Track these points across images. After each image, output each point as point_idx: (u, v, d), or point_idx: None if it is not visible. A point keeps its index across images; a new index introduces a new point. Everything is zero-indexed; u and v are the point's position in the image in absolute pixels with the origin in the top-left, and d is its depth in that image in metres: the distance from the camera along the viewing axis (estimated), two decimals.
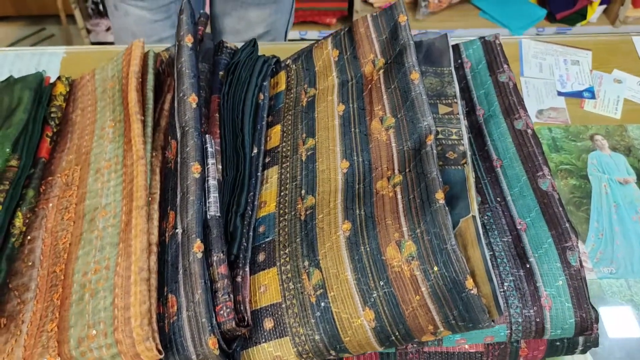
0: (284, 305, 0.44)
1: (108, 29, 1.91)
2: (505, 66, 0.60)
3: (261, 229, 0.49)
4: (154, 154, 0.53)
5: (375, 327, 0.41)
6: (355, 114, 0.53)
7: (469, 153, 0.48)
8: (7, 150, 0.52)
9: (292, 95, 0.59)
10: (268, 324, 0.44)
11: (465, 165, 0.47)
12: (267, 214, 0.50)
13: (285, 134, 0.56)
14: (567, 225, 0.47)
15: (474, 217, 0.41)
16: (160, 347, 0.41)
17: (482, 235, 0.40)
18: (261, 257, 0.47)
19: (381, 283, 0.41)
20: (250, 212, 0.50)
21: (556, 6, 1.91)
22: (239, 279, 0.46)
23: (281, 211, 0.49)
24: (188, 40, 0.55)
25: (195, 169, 0.48)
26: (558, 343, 0.47)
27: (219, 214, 0.47)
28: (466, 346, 0.47)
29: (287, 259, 0.46)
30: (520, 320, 0.44)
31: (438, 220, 0.41)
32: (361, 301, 0.41)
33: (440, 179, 0.43)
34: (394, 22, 0.56)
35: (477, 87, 0.60)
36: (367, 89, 0.54)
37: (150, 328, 0.41)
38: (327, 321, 0.42)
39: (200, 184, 0.47)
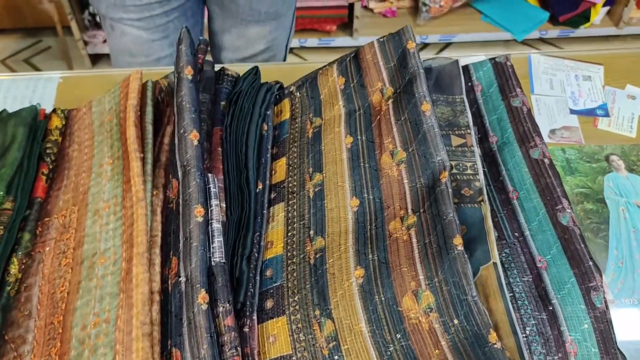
0: (294, 358, 0.41)
1: (105, 41, 1.89)
2: (518, 90, 0.58)
3: (268, 273, 0.47)
4: (154, 192, 0.50)
5: None
6: (364, 147, 0.51)
7: (485, 190, 0.46)
8: (1, 193, 0.49)
9: (297, 125, 0.57)
10: None
11: (482, 203, 0.45)
12: (274, 256, 0.48)
13: (291, 168, 0.53)
14: (591, 263, 0.45)
15: (495, 264, 0.39)
16: None
17: (504, 285, 0.38)
18: (269, 303, 0.45)
19: (398, 336, 0.39)
20: (256, 254, 0.48)
21: (559, 9, 1.88)
22: (246, 329, 0.43)
23: (289, 253, 0.47)
24: (188, 73, 0.53)
25: (198, 212, 0.45)
26: None
27: (224, 260, 0.45)
28: None
29: (297, 307, 0.43)
30: None
31: (457, 268, 0.38)
32: (377, 355, 0.39)
33: (457, 221, 0.41)
34: (402, 49, 0.54)
35: (489, 112, 0.57)
36: (376, 120, 0.52)
37: None
38: None
39: (203, 228, 0.45)
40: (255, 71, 0.60)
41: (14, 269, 0.48)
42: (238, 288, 0.45)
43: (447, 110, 0.52)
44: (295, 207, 0.50)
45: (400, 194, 0.46)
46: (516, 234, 0.48)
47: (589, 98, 0.73)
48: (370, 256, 0.43)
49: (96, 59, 1.96)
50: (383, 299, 0.40)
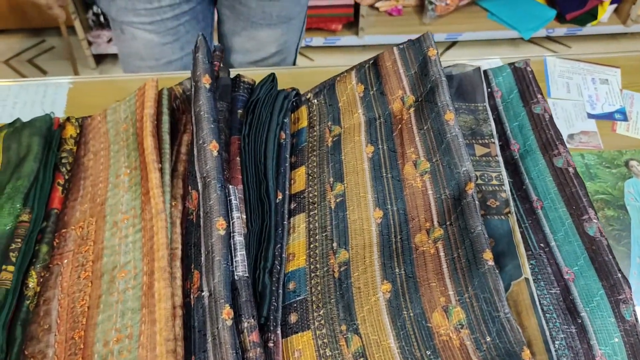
0: None
1: (109, 41, 1.88)
2: (539, 96, 0.57)
3: (291, 286, 0.46)
4: (173, 203, 0.50)
5: None
6: (386, 157, 0.50)
7: (511, 201, 0.45)
8: (18, 205, 0.49)
9: (315, 133, 0.56)
10: None
11: (509, 215, 0.44)
12: (297, 268, 0.47)
13: (310, 177, 0.52)
14: (619, 275, 0.44)
15: (527, 280, 0.38)
16: None
17: (537, 301, 0.37)
18: (293, 317, 0.44)
19: (428, 352, 0.38)
20: (278, 267, 0.47)
21: (566, 6, 1.87)
22: (270, 343, 0.43)
23: (312, 266, 0.46)
24: (205, 81, 0.52)
25: (219, 225, 0.45)
26: None
27: (247, 274, 0.44)
28: None
29: (323, 321, 0.43)
30: None
31: (488, 284, 0.38)
32: None
33: (486, 235, 0.40)
34: (423, 56, 0.53)
35: (510, 119, 0.57)
36: (397, 129, 0.51)
37: None
38: None
39: (225, 241, 0.44)
40: (272, 78, 0.59)
41: (32, 282, 0.47)
42: (261, 302, 0.44)
43: (469, 119, 0.51)
44: (316, 218, 0.49)
45: (425, 205, 0.45)
46: (542, 244, 0.47)
47: (606, 102, 0.73)
48: (397, 270, 0.42)
49: (100, 59, 1.95)
50: (412, 314, 0.40)
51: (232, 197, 0.47)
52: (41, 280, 0.48)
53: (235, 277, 0.44)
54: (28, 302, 0.46)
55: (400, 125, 0.51)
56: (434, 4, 1.86)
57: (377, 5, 1.93)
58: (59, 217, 0.52)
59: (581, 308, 0.43)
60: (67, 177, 0.54)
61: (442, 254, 0.41)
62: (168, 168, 0.51)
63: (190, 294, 0.44)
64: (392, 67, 0.54)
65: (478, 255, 0.39)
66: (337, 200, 0.49)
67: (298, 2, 0.92)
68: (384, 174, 0.49)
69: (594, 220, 0.47)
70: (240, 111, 0.56)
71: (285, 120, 0.57)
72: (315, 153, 0.54)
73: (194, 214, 0.48)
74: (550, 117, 0.55)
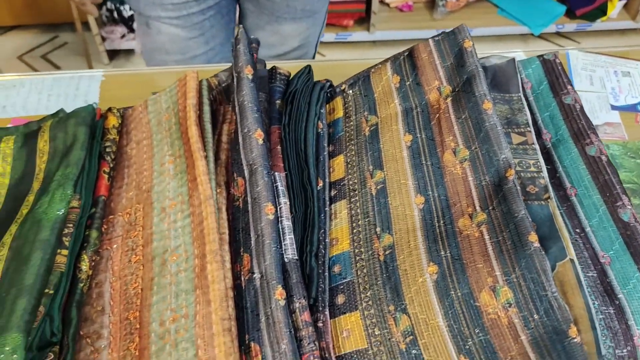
0: (370, 352, 0.42)
1: (123, 37, 1.89)
2: (569, 87, 0.58)
3: (336, 269, 0.48)
4: (217, 190, 0.51)
5: None
6: (425, 145, 0.51)
7: (550, 187, 0.47)
8: (69, 192, 0.50)
9: (351, 123, 0.57)
10: None
11: (549, 200, 0.46)
12: (341, 252, 0.49)
13: (349, 165, 0.54)
14: None
15: (572, 260, 0.40)
16: None
17: (583, 281, 0.39)
18: (340, 299, 0.46)
19: (476, 330, 0.40)
20: (323, 251, 0.48)
21: (576, 2, 1.88)
22: (319, 324, 0.44)
23: (356, 250, 0.48)
24: (248, 72, 0.53)
25: (268, 210, 0.46)
26: None
27: (296, 257, 0.46)
28: None
29: (370, 302, 0.44)
30: None
31: (535, 265, 0.39)
32: (455, 349, 0.40)
33: (530, 219, 0.42)
34: (459, 48, 0.54)
35: (541, 109, 0.58)
36: (435, 118, 0.53)
37: None
38: None
39: (274, 225, 0.46)
40: (307, 70, 0.61)
41: (85, 265, 0.49)
42: (309, 284, 0.46)
43: (505, 109, 0.53)
44: (358, 204, 0.51)
45: (466, 191, 0.47)
46: (577, 230, 0.49)
47: (629, 94, 0.74)
48: (442, 253, 0.44)
49: (113, 54, 1.96)
50: (459, 294, 0.41)
51: (278, 184, 0.49)
52: (92, 264, 0.50)
53: (285, 259, 0.45)
54: (82, 284, 0.48)
55: (437, 115, 0.53)
56: (444, 0, 1.88)
57: (387, 1, 1.94)
58: (106, 204, 0.54)
59: (618, 290, 0.45)
60: (111, 165, 0.56)
61: (486, 237, 0.43)
62: (212, 156, 0.53)
63: (241, 276, 0.46)
64: (427, 59, 0.56)
65: (523, 238, 0.41)
66: (378, 187, 0.51)
67: None
68: (424, 162, 0.50)
69: (628, 207, 0.49)
70: (278, 102, 0.58)
71: (322, 111, 0.58)
72: (352, 142, 0.56)
73: (240, 200, 0.50)
74: (581, 107, 0.56)
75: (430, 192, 0.48)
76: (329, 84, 0.62)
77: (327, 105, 0.61)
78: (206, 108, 0.56)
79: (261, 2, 0.92)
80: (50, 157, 0.55)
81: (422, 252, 0.45)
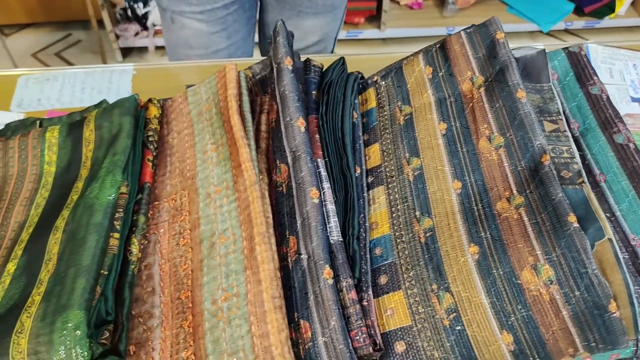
0: (415, 329, 0.44)
1: (136, 34, 1.91)
2: (595, 78, 0.60)
3: (377, 251, 0.50)
4: (260, 177, 0.53)
5: (514, 350, 0.41)
6: (460, 133, 0.53)
7: (584, 172, 0.48)
8: (119, 178, 0.52)
9: (385, 112, 0.59)
10: (400, 347, 0.45)
11: (583, 184, 0.47)
12: (382, 235, 0.51)
13: (385, 153, 0.56)
14: None
15: (610, 240, 0.42)
16: None
17: (621, 258, 0.41)
18: (383, 279, 0.48)
19: (519, 307, 0.42)
20: (364, 234, 0.50)
21: (584, 0, 1.90)
22: (364, 302, 0.46)
23: (397, 233, 0.50)
24: (288, 63, 0.55)
25: (313, 194, 0.48)
26: None
27: (341, 239, 0.48)
28: None
29: (413, 282, 0.46)
30: None
31: (575, 244, 0.41)
32: (498, 325, 0.42)
33: (567, 201, 0.44)
34: (491, 39, 0.56)
35: (568, 99, 0.60)
36: (469, 107, 0.54)
37: (290, 356, 0.42)
38: (464, 345, 0.43)
39: (319, 208, 0.48)
40: (342, 62, 0.62)
41: (135, 248, 0.51)
42: (352, 265, 0.48)
43: (536, 98, 0.55)
44: (396, 190, 0.53)
45: (502, 176, 0.49)
46: (607, 214, 0.51)
47: None
48: (482, 234, 0.46)
49: (127, 52, 1.98)
50: (501, 272, 0.43)
51: (322, 170, 0.51)
52: (141, 247, 0.52)
53: (331, 241, 0.47)
54: (132, 266, 0.50)
55: (471, 104, 0.54)
56: None
57: None
58: (151, 191, 0.56)
59: None
60: (154, 153, 0.58)
61: (525, 218, 0.45)
62: (253, 144, 0.55)
63: (287, 258, 0.48)
64: (460, 50, 0.58)
65: (562, 219, 0.43)
66: (415, 174, 0.53)
67: None
68: (459, 149, 0.52)
69: None
70: (314, 92, 0.60)
71: (356, 102, 0.60)
72: (387, 131, 0.57)
73: (284, 185, 0.52)
74: (608, 97, 0.58)
75: (467, 178, 0.50)
76: (360, 75, 0.64)
77: (360, 96, 0.63)
78: (245, 98, 0.58)
79: None
80: (96, 146, 0.57)
81: (463, 233, 0.47)
